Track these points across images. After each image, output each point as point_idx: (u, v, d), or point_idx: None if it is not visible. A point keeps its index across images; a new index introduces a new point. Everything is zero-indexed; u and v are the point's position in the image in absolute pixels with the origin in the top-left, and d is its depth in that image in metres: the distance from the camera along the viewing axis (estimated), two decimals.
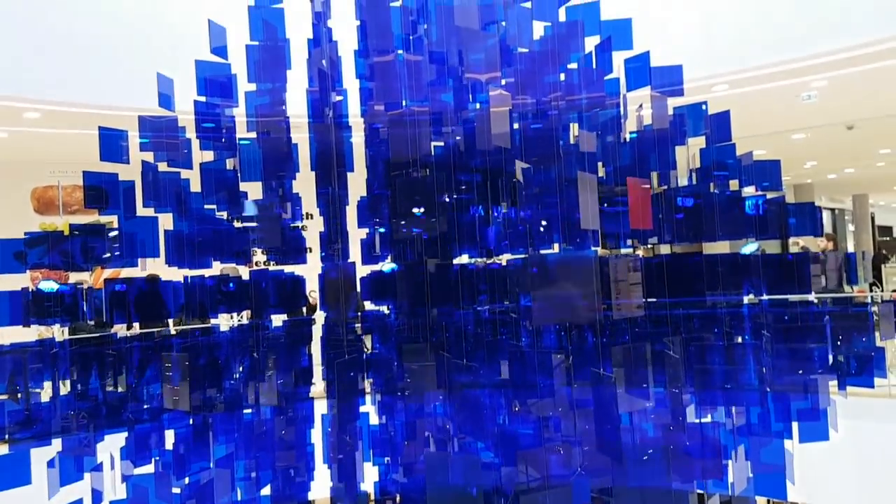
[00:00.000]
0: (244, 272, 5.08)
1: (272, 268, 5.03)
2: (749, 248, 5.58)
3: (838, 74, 9.01)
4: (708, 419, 4.26)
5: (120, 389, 5.03)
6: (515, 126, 3.98)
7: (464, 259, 4.57)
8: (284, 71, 4.48)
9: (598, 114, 4.40)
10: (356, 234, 4.94)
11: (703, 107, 4.42)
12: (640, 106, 4.55)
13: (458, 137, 4.21)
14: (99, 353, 5.09)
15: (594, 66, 4.11)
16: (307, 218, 5.16)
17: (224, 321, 5.43)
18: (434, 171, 4.03)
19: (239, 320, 6.93)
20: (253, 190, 4.77)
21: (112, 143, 4.39)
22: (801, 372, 4.41)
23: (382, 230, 4.77)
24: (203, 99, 4.63)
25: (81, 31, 8.41)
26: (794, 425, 4.31)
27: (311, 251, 5.06)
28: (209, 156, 4.72)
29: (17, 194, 12.68)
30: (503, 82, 3.88)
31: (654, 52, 4.23)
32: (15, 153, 11.64)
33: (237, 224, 4.80)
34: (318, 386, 5.14)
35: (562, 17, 4.15)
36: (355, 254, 4.83)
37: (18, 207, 12.52)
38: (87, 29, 8.40)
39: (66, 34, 8.33)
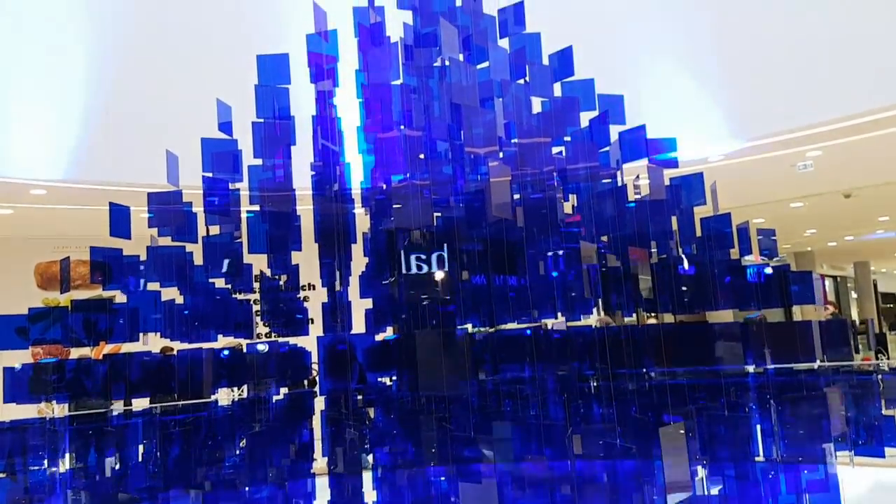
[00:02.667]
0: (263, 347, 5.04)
1: (270, 339, 5.02)
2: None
3: (832, 144, 9.16)
4: (716, 492, 4.18)
5: (118, 467, 4.95)
6: (516, 196, 4.04)
7: (468, 328, 4.57)
8: (289, 146, 4.58)
9: (597, 185, 4.47)
10: (359, 305, 4.95)
11: (698, 177, 4.49)
12: (637, 177, 4.63)
13: (460, 205, 4.28)
14: (100, 430, 5.03)
15: (591, 138, 4.20)
16: (309, 289, 5.18)
17: (224, 396, 5.38)
18: (436, 241, 4.07)
19: (239, 395, 6.86)
20: (258, 262, 4.82)
21: (120, 219, 4.47)
22: (809, 442, 4.35)
23: (385, 300, 4.78)
24: (210, 174, 4.71)
25: (87, 109, 8.61)
26: (805, 497, 4.22)
27: (313, 322, 5.06)
28: (215, 230, 4.78)
29: (21, 270, 12.74)
30: (500, 155, 3.96)
31: (648, 123, 4.33)
32: (20, 229, 11.76)
33: (240, 296, 4.82)
34: (319, 462, 5.06)
35: (557, 92, 4.27)
36: (358, 324, 4.83)
37: (22, 283, 12.56)
38: (93, 106, 8.60)
39: (72, 112, 8.53)
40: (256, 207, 4.55)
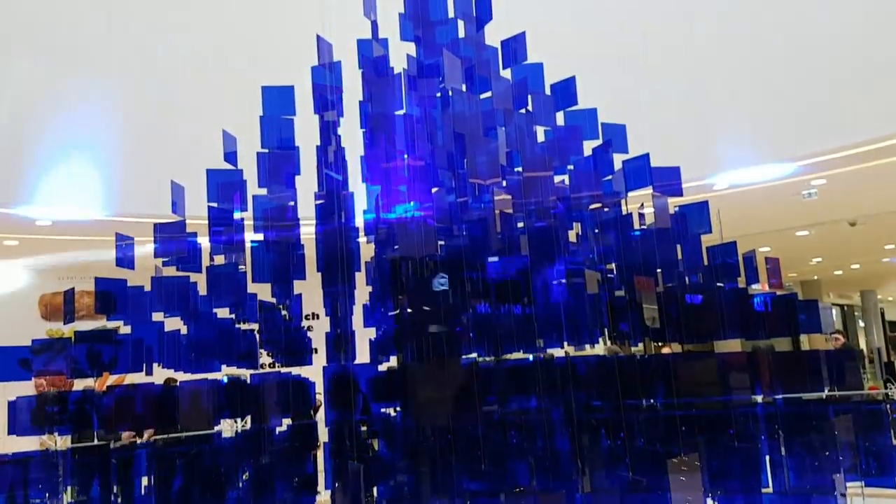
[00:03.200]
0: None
1: (274, 370, 4.98)
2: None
3: (836, 173, 9.16)
4: None
5: (120, 501, 4.89)
6: (520, 224, 4.04)
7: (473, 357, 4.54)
8: (294, 176, 4.60)
9: (601, 213, 4.47)
10: (363, 334, 4.92)
11: (703, 206, 4.48)
12: (642, 205, 4.62)
13: (464, 234, 4.27)
14: (104, 463, 4.98)
15: (594, 167, 4.21)
16: (313, 318, 5.16)
17: (227, 427, 5.33)
18: (440, 269, 4.06)
19: (242, 426, 6.81)
20: (262, 291, 4.81)
21: (126, 249, 4.49)
22: (820, 473, 4.28)
23: (389, 329, 4.76)
24: (215, 205, 4.73)
25: (92, 141, 8.68)
26: None
27: (317, 352, 5.03)
28: (220, 259, 4.78)
29: (27, 300, 12.76)
30: (504, 184, 3.97)
31: (652, 152, 4.34)
32: (25, 260, 11.81)
33: (243, 326, 4.80)
34: (323, 495, 5.00)
35: (560, 120, 4.29)
36: (362, 354, 4.80)
37: (27, 314, 12.57)
38: (98, 139, 8.67)
39: (76, 144, 8.60)
40: (260, 237, 4.56)
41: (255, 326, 4.92)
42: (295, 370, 4.96)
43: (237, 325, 4.78)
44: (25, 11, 8.07)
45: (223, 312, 4.77)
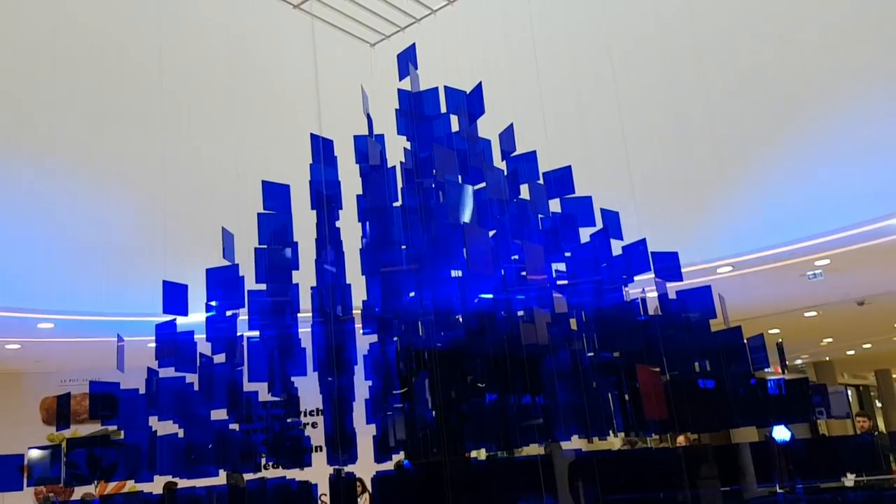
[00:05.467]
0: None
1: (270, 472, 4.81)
2: (781, 433, 5.37)
3: (840, 253, 9.11)
4: None
5: None
6: (520, 313, 3.97)
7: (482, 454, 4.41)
8: (290, 272, 4.57)
9: (603, 299, 4.41)
10: (366, 430, 4.77)
11: (705, 291, 4.41)
12: (643, 290, 4.57)
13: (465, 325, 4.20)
14: None
15: (593, 254, 4.18)
16: (317, 414, 5.02)
17: None
18: (443, 361, 3.98)
19: None
20: (262, 388, 4.70)
21: (120, 352, 4.44)
22: None
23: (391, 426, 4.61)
24: (214, 304, 4.69)
25: (95, 243, 8.73)
26: None
27: (320, 450, 4.86)
28: (220, 358, 4.70)
29: (28, 405, 12.57)
30: (502, 273, 3.93)
31: (653, 239, 4.32)
32: (27, 364, 11.70)
33: (239, 427, 4.67)
34: None
35: (557, 208, 4.29)
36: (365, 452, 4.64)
37: (29, 418, 12.36)
38: (98, 240, 8.72)
39: (78, 245, 8.65)
40: (256, 333, 4.49)
41: (255, 428, 4.78)
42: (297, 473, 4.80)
43: (234, 427, 4.65)
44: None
45: (221, 415, 4.65)
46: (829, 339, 17.16)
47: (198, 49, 9.06)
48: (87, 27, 8.20)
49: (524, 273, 4.07)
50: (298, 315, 4.62)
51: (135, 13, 8.57)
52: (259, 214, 4.65)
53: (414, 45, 4.72)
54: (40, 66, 7.78)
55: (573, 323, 4.25)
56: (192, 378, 4.58)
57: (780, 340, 4.66)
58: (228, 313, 4.50)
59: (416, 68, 4.57)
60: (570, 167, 4.65)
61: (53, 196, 8.44)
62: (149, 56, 8.42)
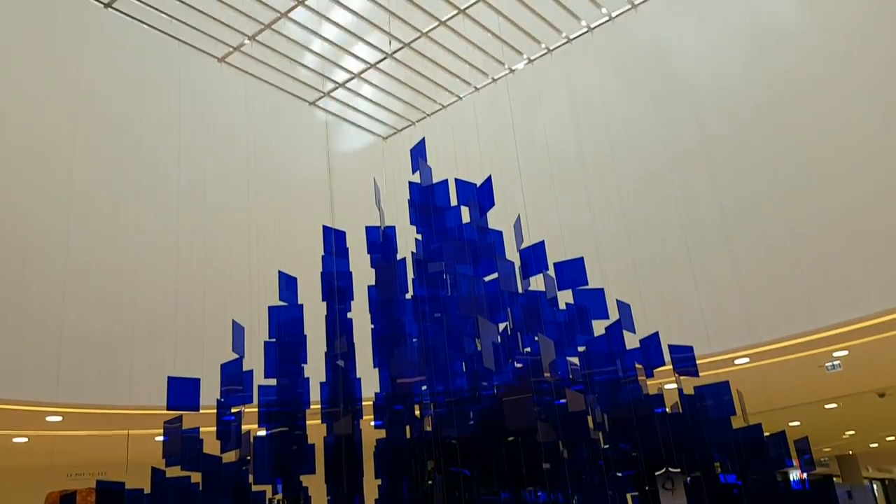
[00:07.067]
0: None
1: None
2: None
3: (858, 344, 8.96)
4: None
5: None
6: (535, 408, 3.89)
7: None
8: (301, 365, 4.52)
9: (621, 392, 4.31)
10: None
11: (724, 386, 4.30)
12: (660, 387, 4.47)
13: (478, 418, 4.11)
14: None
15: (608, 346, 4.12)
16: None
17: None
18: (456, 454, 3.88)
19: None
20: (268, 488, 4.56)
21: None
22: None
23: None
24: (221, 399, 4.62)
25: (103, 334, 8.69)
26: None
27: None
28: (229, 457, 4.58)
29: (35, 499, 12.27)
30: (517, 365, 3.87)
31: (668, 329, 4.26)
32: (34, 457, 11.49)
33: None
34: None
35: (569, 299, 4.26)
36: None
37: None
38: (106, 331, 8.68)
39: (87, 336, 8.61)
40: (263, 432, 4.39)
41: None
42: None
43: None
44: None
45: None
46: (852, 431, 16.70)
47: (215, 140, 9.34)
48: (107, 116, 8.55)
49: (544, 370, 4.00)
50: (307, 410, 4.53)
51: (158, 107, 8.90)
52: (270, 307, 4.64)
53: (423, 139, 4.82)
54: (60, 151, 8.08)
55: (590, 421, 4.14)
56: (197, 477, 4.46)
57: (806, 436, 4.48)
58: (234, 409, 4.42)
59: (426, 160, 4.64)
60: (582, 259, 4.63)
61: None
62: (168, 148, 8.70)
